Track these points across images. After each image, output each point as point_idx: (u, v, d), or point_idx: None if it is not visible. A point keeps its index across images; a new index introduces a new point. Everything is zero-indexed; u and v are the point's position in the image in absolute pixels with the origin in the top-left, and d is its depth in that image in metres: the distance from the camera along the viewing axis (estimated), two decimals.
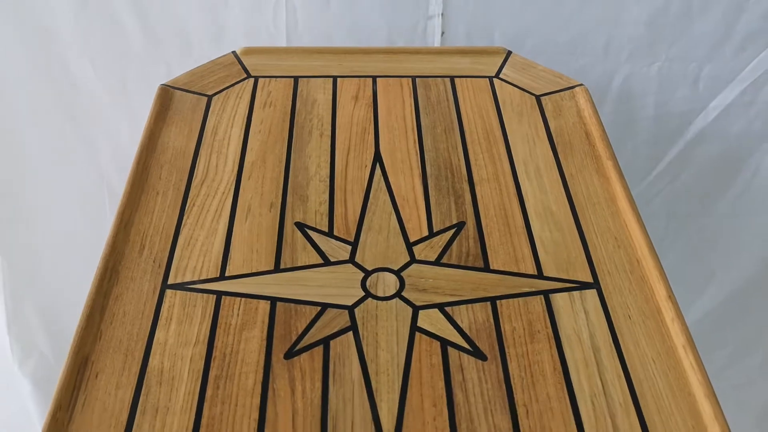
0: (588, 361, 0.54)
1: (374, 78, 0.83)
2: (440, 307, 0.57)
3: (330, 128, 0.76)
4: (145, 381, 0.52)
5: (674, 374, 0.53)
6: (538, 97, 0.81)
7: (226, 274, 0.60)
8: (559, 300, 0.58)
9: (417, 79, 0.84)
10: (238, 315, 0.57)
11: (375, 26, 0.96)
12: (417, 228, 0.65)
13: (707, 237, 1.14)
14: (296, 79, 0.83)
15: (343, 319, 0.56)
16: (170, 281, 0.59)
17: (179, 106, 0.78)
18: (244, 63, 0.85)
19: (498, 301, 0.58)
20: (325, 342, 0.55)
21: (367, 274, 0.60)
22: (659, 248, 0.63)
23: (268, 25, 0.97)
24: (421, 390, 0.52)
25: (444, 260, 0.62)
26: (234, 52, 0.86)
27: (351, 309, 0.57)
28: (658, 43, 0.98)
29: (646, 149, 1.05)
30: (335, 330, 0.56)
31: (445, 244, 0.63)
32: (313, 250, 0.62)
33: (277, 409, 0.50)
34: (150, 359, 0.53)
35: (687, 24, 0.96)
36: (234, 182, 0.69)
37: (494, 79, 0.84)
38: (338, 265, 0.61)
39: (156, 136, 0.74)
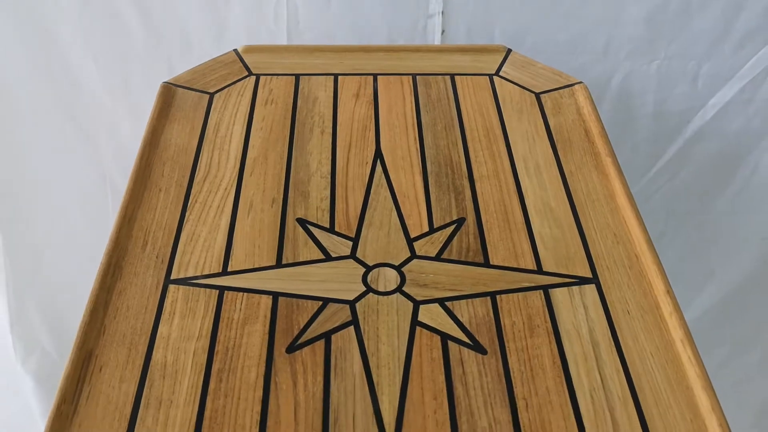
0: (587, 356, 0.54)
1: (375, 76, 0.84)
2: (440, 301, 0.58)
3: (331, 125, 0.76)
4: (148, 374, 0.53)
5: (672, 368, 0.54)
6: (537, 95, 0.81)
7: (229, 270, 0.61)
8: (559, 295, 0.59)
9: (417, 77, 0.84)
10: (240, 310, 0.57)
11: (376, 24, 0.97)
12: (417, 224, 0.65)
13: (706, 234, 1.14)
14: (297, 76, 0.84)
15: (345, 314, 0.57)
16: (173, 276, 0.60)
17: (181, 103, 0.79)
18: (246, 61, 0.85)
19: (498, 296, 0.59)
20: (327, 336, 0.55)
21: (368, 269, 0.61)
22: (658, 245, 0.63)
23: (269, 23, 0.97)
24: (422, 383, 0.52)
25: (444, 256, 0.62)
26: (236, 50, 0.87)
27: (352, 304, 0.58)
28: (657, 41, 0.98)
29: (646, 147, 1.06)
30: (336, 324, 0.56)
31: (445, 239, 0.64)
32: (315, 246, 0.63)
33: (279, 402, 0.51)
34: (153, 353, 0.54)
35: (686, 21, 0.97)
36: (236, 179, 0.70)
37: (494, 77, 0.84)
38: (339, 261, 0.62)
39: (158, 133, 0.74)
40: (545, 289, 0.59)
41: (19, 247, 1.09)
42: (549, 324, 0.57)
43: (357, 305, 0.58)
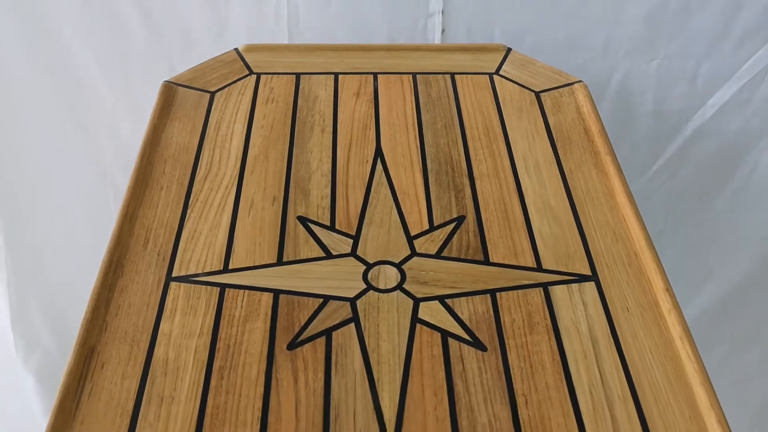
0: (586, 352, 0.55)
1: (375, 75, 0.84)
2: (441, 299, 0.58)
3: (332, 124, 0.77)
4: (150, 371, 0.53)
5: (671, 364, 0.54)
6: (537, 94, 0.82)
7: (230, 267, 0.61)
8: (558, 292, 0.59)
9: (418, 76, 0.84)
10: (241, 307, 0.57)
11: (376, 24, 0.97)
12: (418, 222, 0.66)
13: (705, 234, 1.15)
14: (298, 75, 0.84)
15: (345, 311, 0.57)
16: (174, 274, 0.60)
17: (182, 102, 0.79)
18: (247, 60, 0.86)
19: (498, 293, 0.59)
20: (328, 333, 0.55)
21: (369, 266, 0.61)
22: (658, 244, 0.63)
23: (270, 22, 0.98)
24: (422, 380, 0.52)
25: (444, 253, 0.63)
26: (236, 49, 0.87)
27: (353, 301, 0.58)
28: (656, 40, 0.99)
29: (645, 146, 1.06)
30: (337, 321, 0.56)
31: (445, 237, 0.64)
32: (315, 244, 0.63)
33: (281, 399, 0.51)
34: (155, 350, 0.54)
35: (685, 21, 0.97)
36: (237, 177, 0.70)
37: (494, 76, 0.85)
38: (340, 258, 0.62)
39: (160, 132, 0.75)
40: (545, 286, 0.60)
41: (21, 245, 1.09)
42: (548, 321, 0.57)
43: (357, 302, 0.58)
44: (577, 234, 0.65)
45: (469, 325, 0.56)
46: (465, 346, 0.55)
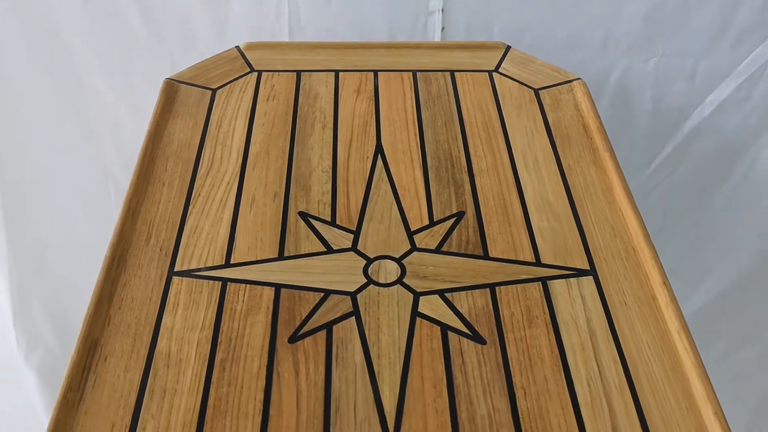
0: (584, 345, 0.55)
1: (376, 72, 0.85)
2: (440, 293, 0.59)
3: (332, 121, 0.77)
4: (153, 364, 0.53)
5: (668, 357, 0.54)
6: (536, 91, 0.82)
7: (231, 262, 0.62)
8: (557, 286, 0.60)
9: (418, 73, 0.85)
10: (243, 301, 0.58)
11: (376, 22, 0.98)
12: (418, 217, 0.66)
13: (704, 231, 1.15)
14: (299, 73, 0.84)
15: (346, 305, 0.58)
16: (177, 268, 0.61)
17: (184, 99, 0.80)
18: (248, 57, 0.86)
19: (497, 288, 0.59)
20: (328, 327, 0.56)
21: (369, 261, 0.62)
22: (656, 242, 0.64)
23: (271, 20, 0.98)
24: (422, 373, 0.53)
25: (444, 248, 0.63)
26: (237, 47, 0.88)
27: (353, 295, 0.59)
28: (655, 38, 0.99)
29: (644, 143, 1.07)
30: (338, 315, 0.57)
31: (445, 232, 0.65)
32: (316, 239, 0.64)
33: (282, 391, 0.52)
34: (158, 343, 0.55)
35: (684, 18, 0.97)
36: (238, 173, 0.70)
37: (494, 73, 0.85)
38: (341, 253, 0.62)
39: (161, 129, 0.75)
40: (544, 280, 0.60)
41: (23, 242, 1.10)
42: (547, 315, 0.57)
43: (358, 296, 0.58)
44: (576, 229, 0.65)
45: (468, 319, 0.57)
46: (464, 340, 0.55)
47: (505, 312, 0.57)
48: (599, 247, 0.63)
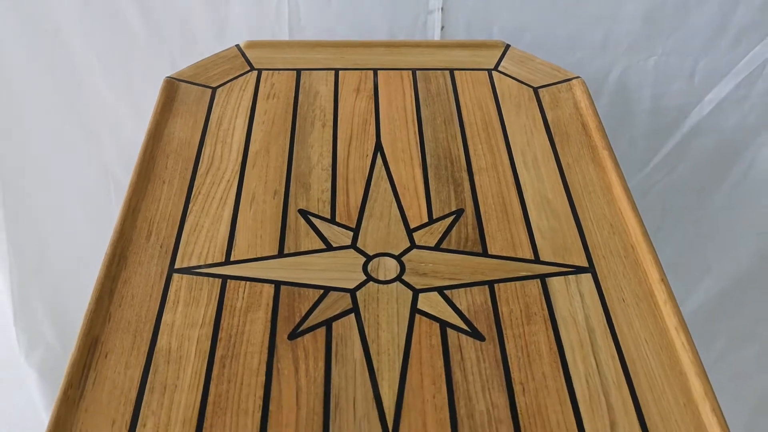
0: (583, 342, 0.55)
1: (375, 70, 0.85)
2: (439, 290, 0.59)
3: (332, 119, 0.78)
4: (153, 360, 0.54)
5: (666, 354, 0.55)
6: (535, 89, 0.83)
7: (231, 259, 0.62)
8: (555, 283, 0.60)
9: (417, 72, 0.85)
10: (243, 298, 0.58)
11: (376, 21, 0.98)
12: (417, 215, 0.66)
13: (703, 230, 1.15)
14: (299, 71, 0.85)
15: (345, 302, 0.58)
16: (177, 266, 0.61)
17: (184, 97, 0.80)
18: (248, 56, 0.87)
19: (496, 285, 0.60)
20: (328, 323, 0.56)
21: (369, 258, 0.62)
22: (655, 240, 0.64)
23: (271, 20, 0.98)
24: (421, 369, 0.53)
25: (443, 246, 0.63)
26: (237, 46, 0.88)
27: (353, 292, 0.59)
28: (654, 36, 0.99)
29: (643, 142, 1.07)
30: (337, 312, 0.57)
31: (444, 230, 0.65)
32: (316, 236, 0.64)
33: (282, 387, 0.52)
34: (158, 340, 0.55)
35: (683, 17, 0.98)
36: (238, 171, 0.71)
37: (493, 72, 0.85)
38: (340, 250, 0.63)
39: (162, 127, 0.75)
40: (542, 277, 0.60)
41: (23, 242, 1.10)
42: (546, 312, 0.58)
43: (357, 293, 0.59)
44: (575, 227, 0.65)
45: (467, 316, 0.57)
46: (463, 336, 0.55)
47: (503, 309, 0.58)
48: (598, 245, 0.64)
